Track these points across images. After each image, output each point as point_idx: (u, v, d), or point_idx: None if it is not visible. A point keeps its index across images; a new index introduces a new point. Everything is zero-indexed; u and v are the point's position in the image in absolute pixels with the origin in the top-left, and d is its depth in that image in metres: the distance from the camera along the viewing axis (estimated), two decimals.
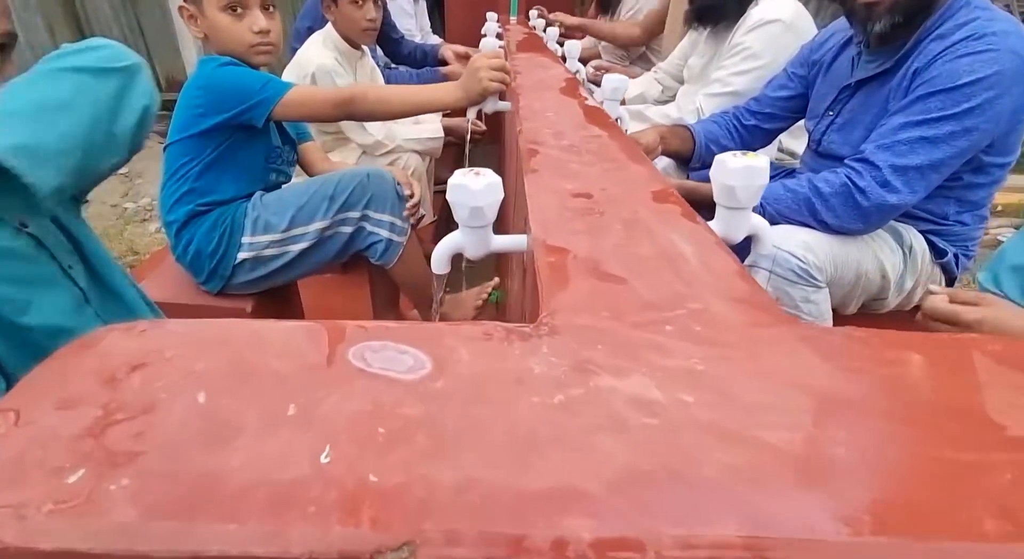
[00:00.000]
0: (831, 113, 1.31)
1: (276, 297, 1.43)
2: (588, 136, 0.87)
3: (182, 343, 0.35)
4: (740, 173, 0.59)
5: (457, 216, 0.59)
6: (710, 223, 0.63)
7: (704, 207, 0.65)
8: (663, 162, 1.54)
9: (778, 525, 0.26)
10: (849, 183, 1.08)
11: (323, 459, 0.28)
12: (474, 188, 0.57)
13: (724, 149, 1.57)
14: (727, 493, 0.27)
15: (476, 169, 0.59)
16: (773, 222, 1.08)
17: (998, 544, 0.25)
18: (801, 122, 1.66)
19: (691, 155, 1.50)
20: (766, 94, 1.50)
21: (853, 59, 1.26)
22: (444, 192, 0.59)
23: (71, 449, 0.27)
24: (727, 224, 0.63)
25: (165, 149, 1.25)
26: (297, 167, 1.51)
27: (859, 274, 1.16)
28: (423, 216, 1.44)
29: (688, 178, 1.53)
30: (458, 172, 0.59)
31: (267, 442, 0.29)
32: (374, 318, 1.57)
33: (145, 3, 4.38)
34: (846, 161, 1.13)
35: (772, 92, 1.49)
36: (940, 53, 1.03)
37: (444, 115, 2.11)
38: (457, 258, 0.65)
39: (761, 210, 1.13)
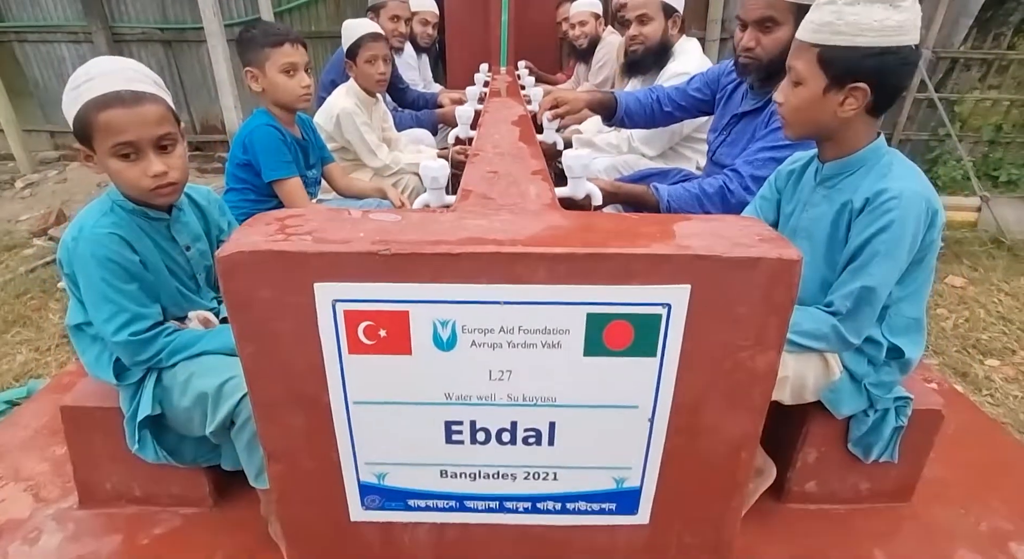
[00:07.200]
0: (725, 132, 1.79)
1: None
2: (515, 142, 1.39)
3: None
4: (575, 159, 1.10)
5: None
6: (562, 189, 1.14)
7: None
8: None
9: None
10: (724, 187, 1.59)
11: None
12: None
13: (635, 123, 2.07)
14: None
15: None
16: (672, 212, 1.59)
17: None
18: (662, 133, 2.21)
19: (612, 116, 2.05)
20: (686, 89, 1.98)
21: (744, 93, 1.75)
22: None
23: None
24: (573, 187, 1.14)
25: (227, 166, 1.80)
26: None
27: None
28: None
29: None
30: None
31: None
32: None
33: (186, 58, 5.14)
34: (725, 170, 1.63)
35: (691, 89, 1.96)
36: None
37: (439, 147, 2.70)
38: None
39: (667, 206, 1.61)
